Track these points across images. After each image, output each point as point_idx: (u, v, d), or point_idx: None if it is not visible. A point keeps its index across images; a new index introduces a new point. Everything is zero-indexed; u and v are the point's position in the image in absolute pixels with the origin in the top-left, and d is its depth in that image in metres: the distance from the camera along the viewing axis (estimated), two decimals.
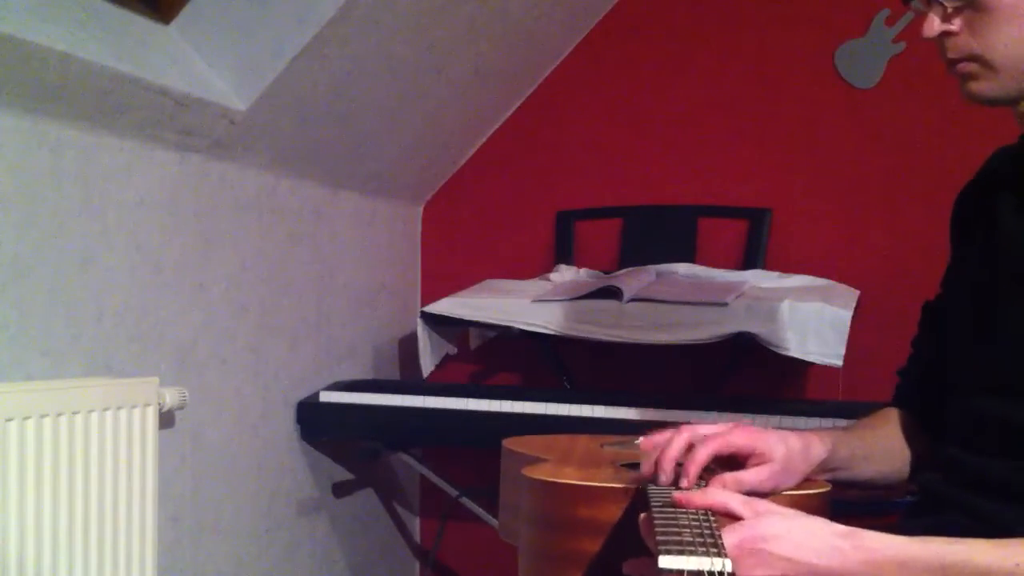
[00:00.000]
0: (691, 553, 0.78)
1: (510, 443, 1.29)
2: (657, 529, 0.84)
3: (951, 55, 1.08)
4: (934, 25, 1.06)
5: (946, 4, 1.06)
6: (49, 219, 1.65)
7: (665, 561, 0.78)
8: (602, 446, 1.31)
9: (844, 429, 1.27)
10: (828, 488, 1.14)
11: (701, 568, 0.77)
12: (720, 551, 0.79)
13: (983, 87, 1.07)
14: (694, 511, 0.91)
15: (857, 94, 2.60)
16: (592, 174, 2.81)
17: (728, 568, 0.76)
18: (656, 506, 0.92)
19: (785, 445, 1.12)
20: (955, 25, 1.06)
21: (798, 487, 1.13)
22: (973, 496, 1.07)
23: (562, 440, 1.34)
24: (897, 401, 1.31)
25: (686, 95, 2.74)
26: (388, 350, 2.80)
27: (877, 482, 1.27)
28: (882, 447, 1.26)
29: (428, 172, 2.87)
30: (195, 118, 1.89)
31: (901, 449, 1.26)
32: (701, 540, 0.81)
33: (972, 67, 1.06)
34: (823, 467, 1.18)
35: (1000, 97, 1.07)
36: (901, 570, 0.90)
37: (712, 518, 0.89)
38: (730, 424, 1.12)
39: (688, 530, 0.84)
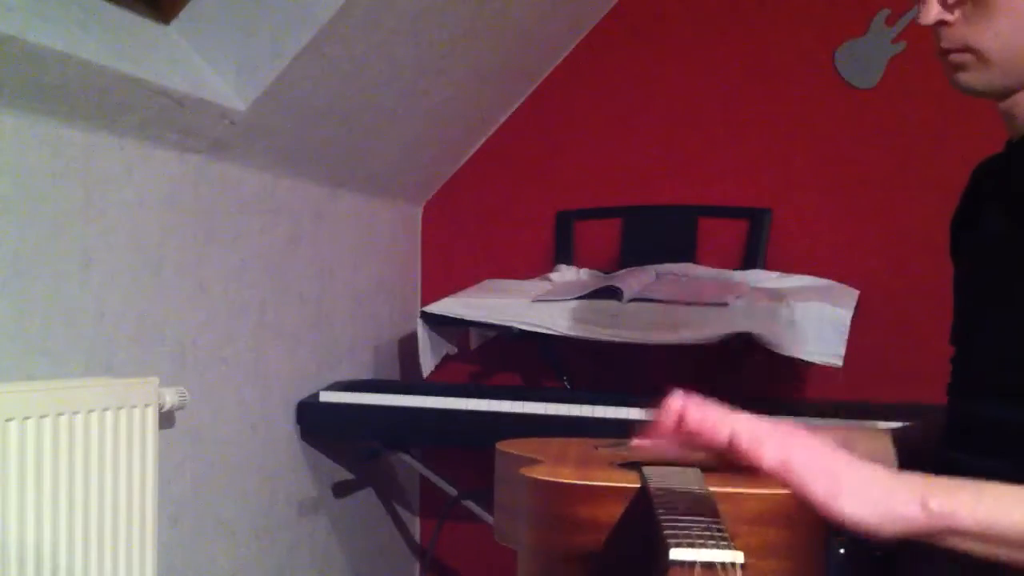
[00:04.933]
0: (702, 546, 0.77)
1: (504, 446, 1.28)
2: (664, 524, 0.83)
3: (945, 44, 1.08)
4: (932, 12, 1.07)
5: None
6: (49, 219, 1.65)
7: (677, 554, 0.76)
8: (596, 448, 1.31)
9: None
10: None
11: (713, 560, 0.75)
12: (730, 544, 0.78)
13: (973, 78, 1.08)
14: (698, 514, 0.90)
15: (857, 94, 2.60)
16: (592, 174, 2.81)
17: (740, 559, 0.75)
18: (659, 503, 0.92)
19: None
20: (953, 16, 1.06)
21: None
22: None
23: (555, 443, 1.34)
24: None
25: (686, 95, 2.74)
26: (388, 350, 2.80)
27: None
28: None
29: (428, 172, 2.87)
30: (195, 118, 1.89)
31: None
32: (709, 534, 0.80)
33: (966, 58, 1.07)
34: None
35: (987, 90, 1.08)
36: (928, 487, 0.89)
37: (717, 519, 0.88)
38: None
39: (695, 526, 0.83)
